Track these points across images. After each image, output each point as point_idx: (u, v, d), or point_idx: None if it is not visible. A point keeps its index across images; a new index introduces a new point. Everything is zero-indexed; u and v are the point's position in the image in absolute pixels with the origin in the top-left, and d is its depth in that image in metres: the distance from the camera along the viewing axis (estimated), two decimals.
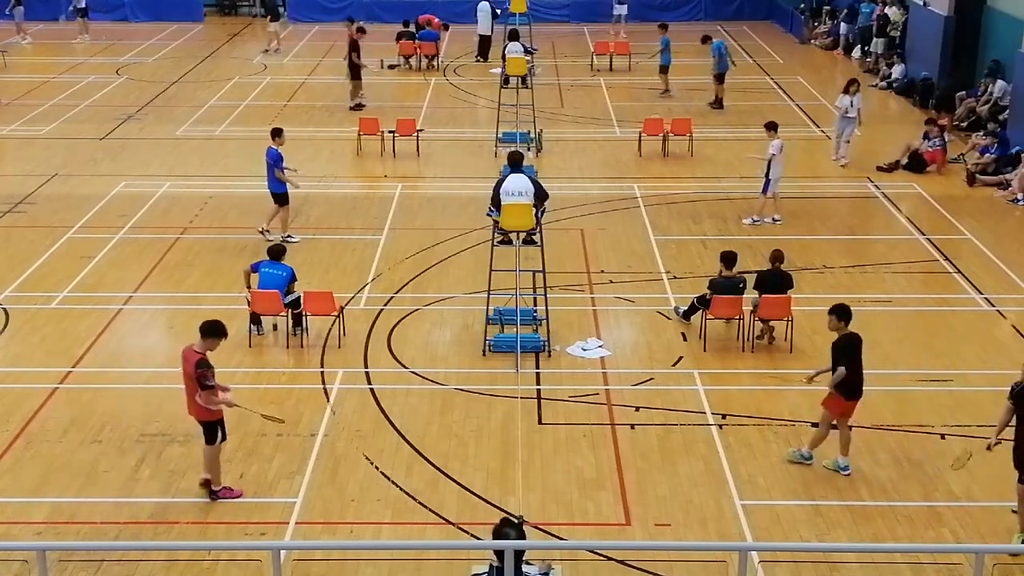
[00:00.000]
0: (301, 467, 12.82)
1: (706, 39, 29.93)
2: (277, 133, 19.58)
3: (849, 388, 12.51)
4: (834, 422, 12.74)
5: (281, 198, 19.35)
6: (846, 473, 12.63)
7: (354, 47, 28.06)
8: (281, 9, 35.72)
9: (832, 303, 12.80)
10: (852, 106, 23.27)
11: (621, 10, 37.31)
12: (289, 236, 19.23)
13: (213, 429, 12.12)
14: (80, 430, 13.58)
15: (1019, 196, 21.72)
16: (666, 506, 12.17)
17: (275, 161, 19.12)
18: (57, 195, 21.95)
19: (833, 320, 12.60)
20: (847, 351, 12.49)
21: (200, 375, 11.81)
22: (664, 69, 29.57)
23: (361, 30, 29.23)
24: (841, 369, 12.39)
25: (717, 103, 28.49)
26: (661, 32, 29.93)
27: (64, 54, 35.23)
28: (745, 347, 15.74)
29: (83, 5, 37.31)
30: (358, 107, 28.17)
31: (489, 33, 34.12)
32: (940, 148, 23.58)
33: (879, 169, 23.44)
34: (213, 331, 12.07)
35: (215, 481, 12.26)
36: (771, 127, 20.50)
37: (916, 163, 23.37)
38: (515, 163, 16.14)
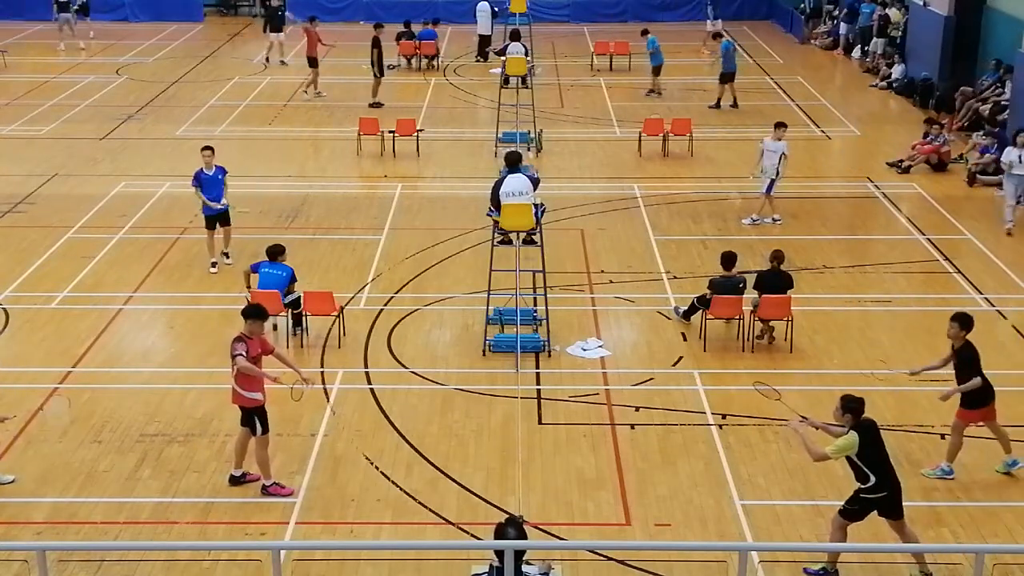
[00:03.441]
0: (301, 467, 12.82)
1: (716, 36, 30.13)
2: (203, 148, 18.45)
3: (974, 398, 12.46)
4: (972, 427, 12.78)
5: (226, 217, 18.38)
6: (1018, 467, 12.68)
7: (376, 44, 28.49)
8: (289, 14, 35.00)
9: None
10: (1020, 161, 19.96)
11: (716, 25, 36.65)
12: (226, 255, 18.47)
13: (250, 417, 12.12)
14: (80, 430, 13.57)
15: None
16: (666, 506, 12.17)
17: (209, 180, 18.06)
18: (57, 195, 21.96)
19: (955, 328, 12.50)
20: (974, 361, 12.42)
21: (232, 348, 11.96)
22: (656, 70, 29.64)
23: (379, 26, 29.63)
24: (976, 379, 12.35)
25: (733, 103, 28.54)
26: (644, 36, 30.08)
27: (64, 54, 35.21)
28: (745, 347, 15.74)
29: (76, 6, 36.79)
30: (376, 104, 28.32)
31: (489, 33, 34.12)
32: (940, 144, 23.60)
33: (889, 164, 23.65)
34: (248, 313, 12.23)
35: (265, 475, 12.30)
36: (783, 126, 20.53)
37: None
38: (513, 163, 16.14)
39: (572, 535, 11.67)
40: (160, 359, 15.58)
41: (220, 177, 18.26)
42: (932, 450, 13.20)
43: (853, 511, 10.87)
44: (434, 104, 29.26)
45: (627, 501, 12.25)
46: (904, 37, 31.72)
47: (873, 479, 10.65)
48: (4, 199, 21.66)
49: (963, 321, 12.55)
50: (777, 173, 20.19)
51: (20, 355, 15.55)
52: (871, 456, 10.65)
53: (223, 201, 18.15)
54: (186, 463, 12.91)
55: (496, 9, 33.48)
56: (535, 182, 16.00)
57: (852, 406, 10.77)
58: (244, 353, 11.92)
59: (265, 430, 12.20)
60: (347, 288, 17.48)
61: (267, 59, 33.68)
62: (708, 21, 36.61)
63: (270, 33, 33.89)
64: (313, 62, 29.45)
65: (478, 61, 34.27)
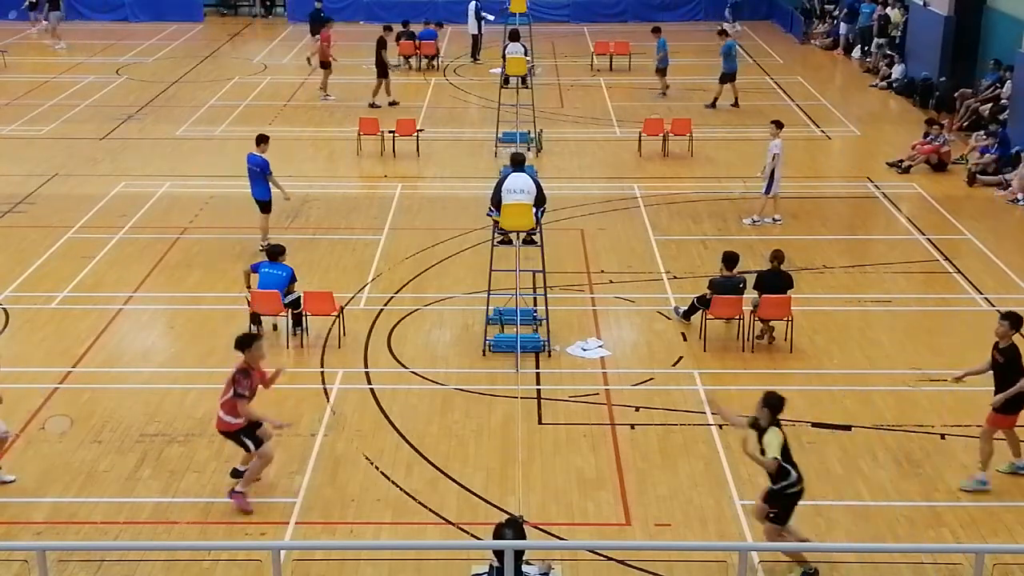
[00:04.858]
0: (301, 467, 12.82)
1: (722, 33, 30.22)
2: (263, 139, 18.86)
3: (1014, 403, 12.22)
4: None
5: (267, 205, 18.89)
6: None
7: (383, 45, 28.47)
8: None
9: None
10: None
11: (736, 28, 36.56)
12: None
13: (237, 439, 12.04)
14: (80, 430, 13.57)
15: (1019, 196, 21.71)
16: (666, 506, 12.17)
17: (264, 168, 18.58)
18: (57, 195, 21.95)
19: (1004, 326, 12.22)
20: (1019, 362, 12.12)
21: (236, 383, 11.75)
22: (662, 71, 29.61)
23: (388, 28, 29.73)
24: (1022, 382, 12.04)
25: (734, 103, 28.54)
26: (656, 35, 30.00)
27: (64, 54, 35.21)
28: (745, 347, 15.73)
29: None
30: (374, 106, 28.32)
31: (476, 32, 34.16)
32: (940, 144, 23.59)
33: (889, 164, 23.63)
34: (243, 343, 12.04)
35: (244, 482, 12.13)
36: (779, 125, 20.50)
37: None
38: (517, 164, 16.13)
39: (572, 535, 11.67)
40: (160, 359, 15.58)
41: None
42: (932, 450, 13.20)
43: (781, 515, 10.83)
44: (434, 104, 29.26)
45: (627, 501, 12.25)
46: (904, 37, 31.71)
47: (794, 475, 10.67)
48: (4, 199, 21.65)
49: (1014, 320, 12.29)
50: (771, 173, 20.13)
51: (20, 355, 15.54)
52: (788, 453, 10.73)
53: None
54: (186, 463, 12.91)
55: (483, 14, 33.54)
56: (539, 201, 15.75)
57: (773, 402, 10.74)
58: (247, 394, 11.76)
59: (257, 445, 12.07)
60: (347, 288, 17.47)
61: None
62: (725, 24, 36.54)
63: (310, 38, 33.80)
64: (326, 64, 29.32)
65: (473, 61, 34.27)
